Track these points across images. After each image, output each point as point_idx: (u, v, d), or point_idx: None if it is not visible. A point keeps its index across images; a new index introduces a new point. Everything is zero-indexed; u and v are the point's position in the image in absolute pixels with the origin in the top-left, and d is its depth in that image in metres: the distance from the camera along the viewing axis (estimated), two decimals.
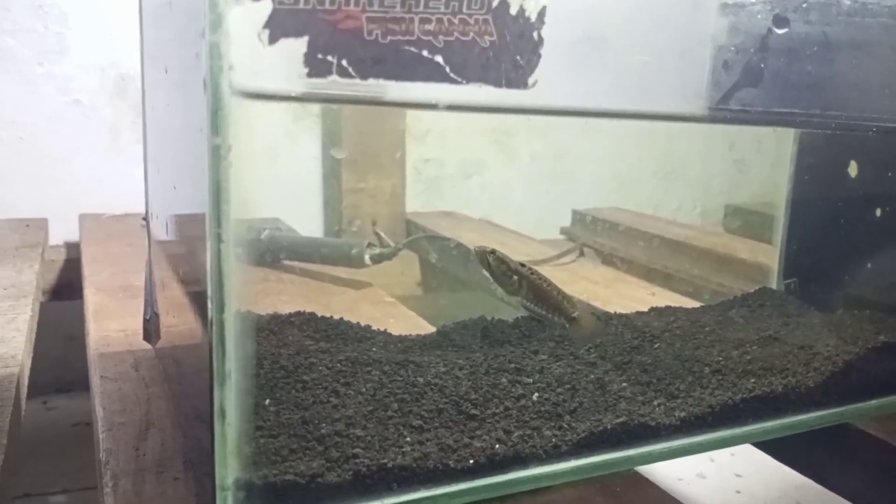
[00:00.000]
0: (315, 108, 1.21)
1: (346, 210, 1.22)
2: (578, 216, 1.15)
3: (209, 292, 0.37)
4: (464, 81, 0.39)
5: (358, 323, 0.63)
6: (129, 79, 1.34)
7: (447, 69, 0.39)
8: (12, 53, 1.27)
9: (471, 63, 0.40)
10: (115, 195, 1.30)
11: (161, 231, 0.62)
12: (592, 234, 1.10)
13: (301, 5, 0.35)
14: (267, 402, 0.48)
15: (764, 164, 0.88)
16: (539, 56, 0.41)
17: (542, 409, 0.52)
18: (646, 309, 0.71)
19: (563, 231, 1.15)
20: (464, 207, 1.16)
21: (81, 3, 1.31)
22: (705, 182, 1.11)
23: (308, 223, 1.17)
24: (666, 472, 0.53)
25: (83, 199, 1.31)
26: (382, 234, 1.04)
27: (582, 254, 1.00)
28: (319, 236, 1.10)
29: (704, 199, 1.10)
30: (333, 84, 0.37)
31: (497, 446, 0.48)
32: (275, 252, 0.83)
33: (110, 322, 0.74)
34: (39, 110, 1.30)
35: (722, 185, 1.07)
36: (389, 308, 0.81)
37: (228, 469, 0.39)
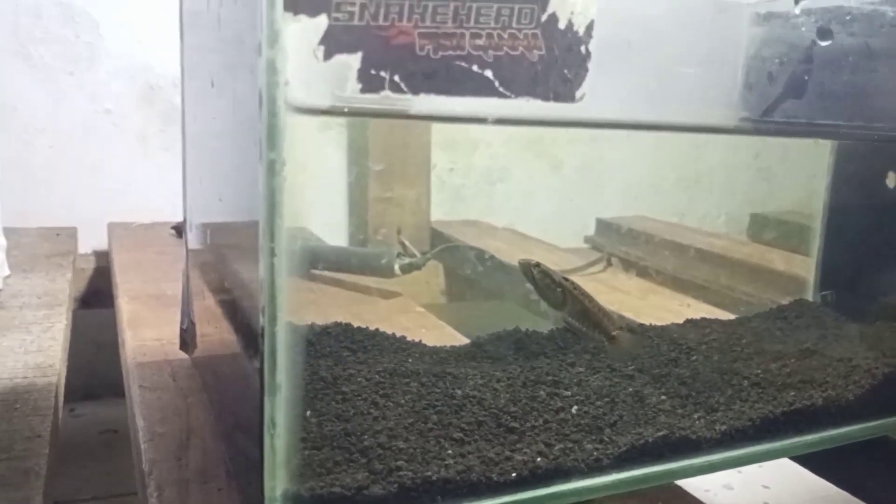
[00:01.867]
0: (341, 118, 1.22)
1: (372, 219, 1.22)
2: (602, 225, 1.15)
3: (261, 304, 0.37)
4: (512, 95, 0.40)
5: (393, 333, 0.63)
6: (157, 88, 1.36)
7: (496, 83, 0.39)
8: (43, 62, 1.29)
9: (520, 77, 0.40)
10: (142, 203, 1.32)
11: (199, 240, 0.62)
12: (617, 243, 1.09)
13: (356, 21, 0.35)
14: (308, 413, 0.48)
15: (800, 174, 0.88)
16: (587, 70, 0.41)
17: (582, 422, 0.51)
18: (680, 321, 0.70)
19: (588, 240, 1.14)
20: (488, 216, 1.16)
21: (112, 11, 1.32)
22: (732, 191, 1.10)
23: (334, 232, 1.17)
24: (693, 484, 0.53)
25: (111, 207, 1.32)
26: (407, 243, 1.04)
27: (610, 263, 0.99)
28: (346, 246, 1.10)
29: (732, 208, 1.09)
30: (385, 99, 0.37)
31: (539, 459, 0.48)
32: (307, 262, 0.84)
33: (145, 331, 0.74)
34: (69, 119, 1.32)
35: (751, 195, 1.06)
36: (420, 318, 0.81)
37: (277, 480, 0.39)
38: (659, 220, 1.15)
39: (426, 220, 1.25)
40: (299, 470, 0.42)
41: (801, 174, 0.83)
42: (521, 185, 1.14)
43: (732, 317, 0.72)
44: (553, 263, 1.02)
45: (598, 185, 1.09)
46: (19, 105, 1.29)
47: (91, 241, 1.27)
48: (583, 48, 0.41)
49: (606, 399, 0.54)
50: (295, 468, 0.41)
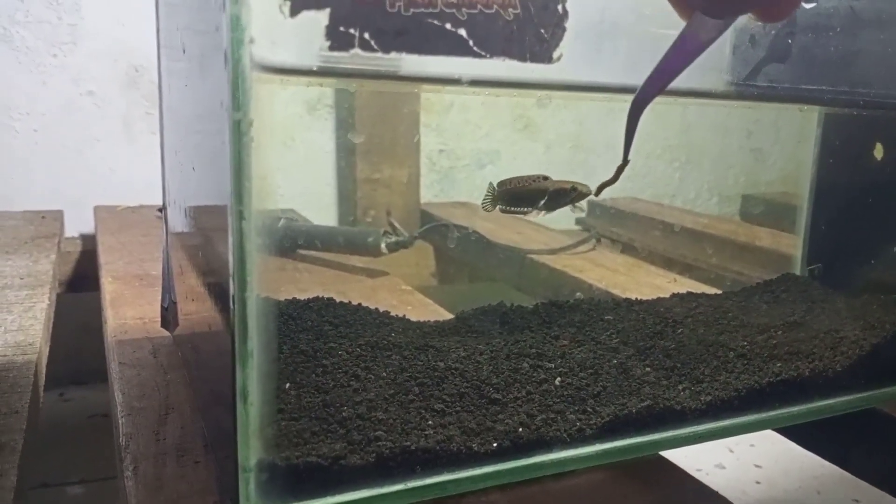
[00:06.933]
0: (329, 98, 1.21)
1: (360, 201, 1.21)
2: (594, 207, 1.14)
3: (231, 269, 0.37)
4: (487, 55, 0.39)
5: (376, 309, 0.62)
6: (141, 69, 1.34)
7: (470, 43, 0.38)
8: (26, 45, 1.27)
9: (494, 36, 0.39)
10: (129, 186, 1.30)
11: (179, 218, 0.61)
12: (609, 225, 1.09)
13: None
14: (287, 385, 0.47)
15: (787, 148, 0.87)
16: (564, 29, 0.40)
17: (566, 393, 0.51)
18: (667, 296, 0.70)
19: (579, 221, 1.14)
20: (478, 198, 1.15)
21: None
22: (724, 170, 1.10)
23: (322, 214, 1.16)
24: (685, 463, 0.53)
25: (97, 191, 1.31)
26: (396, 224, 1.03)
27: (599, 241, 0.99)
28: (334, 225, 1.09)
29: (723, 187, 1.09)
30: (355, 58, 0.36)
31: (521, 430, 0.47)
32: (291, 240, 0.83)
33: (127, 310, 0.73)
34: (53, 101, 1.30)
35: (742, 172, 1.05)
36: (406, 296, 0.80)
37: (251, 450, 0.39)
38: (651, 201, 1.14)
39: (416, 202, 1.25)
40: (275, 440, 0.41)
41: (796, 148, 0.82)
42: (512, 167, 1.13)
43: (719, 292, 0.71)
44: (543, 243, 1.02)
45: (590, 167, 1.08)
46: (1, 88, 1.27)
47: (78, 224, 1.26)
48: (559, 7, 0.40)
49: (590, 371, 0.53)
50: (270, 438, 0.41)
